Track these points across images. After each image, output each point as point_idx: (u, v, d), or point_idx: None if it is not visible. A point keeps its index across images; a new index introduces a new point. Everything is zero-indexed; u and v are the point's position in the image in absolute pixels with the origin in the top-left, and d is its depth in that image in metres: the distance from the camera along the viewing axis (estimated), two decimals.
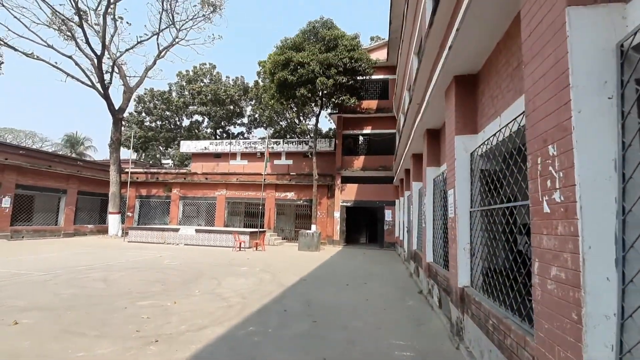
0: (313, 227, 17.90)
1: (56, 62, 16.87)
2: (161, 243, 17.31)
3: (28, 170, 17.44)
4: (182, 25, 20.89)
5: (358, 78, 17.08)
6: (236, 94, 30.77)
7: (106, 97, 17.96)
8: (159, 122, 33.77)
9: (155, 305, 5.73)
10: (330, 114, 20.14)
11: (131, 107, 29.33)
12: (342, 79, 15.94)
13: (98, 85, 17.54)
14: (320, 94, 17.05)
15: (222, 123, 34.60)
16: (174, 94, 32.25)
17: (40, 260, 10.49)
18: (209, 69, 32.46)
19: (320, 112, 18.89)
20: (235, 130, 36.37)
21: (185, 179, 22.18)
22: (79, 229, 20.32)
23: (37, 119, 76.49)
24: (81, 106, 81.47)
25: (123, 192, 22.98)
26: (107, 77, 17.90)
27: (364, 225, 22.92)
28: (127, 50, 18.66)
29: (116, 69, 18.81)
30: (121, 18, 19.13)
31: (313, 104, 18.90)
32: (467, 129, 4.54)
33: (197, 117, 35.43)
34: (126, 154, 23.58)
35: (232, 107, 33.11)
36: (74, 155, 39.62)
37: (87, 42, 15.99)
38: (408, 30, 12.24)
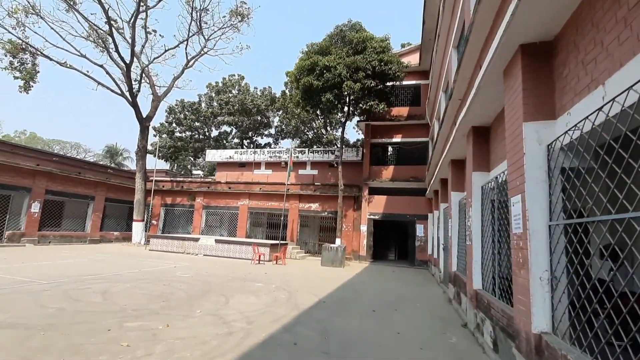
0: (338, 240, 16.73)
1: (88, 71, 17.34)
2: (181, 252, 16.84)
3: (58, 177, 17.78)
4: (211, 35, 21.00)
5: (388, 83, 15.99)
6: (263, 104, 30.66)
7: (134, 105, 18.16)
8: (188, 133, 34.35)
9: (144, 328, 4.85)
10: (358, 122, 19.15)
11: (162, 118, 29.81)
12: (371, 83, 14.94)
13: (127, 94, 17.79)
14: (347, 99, 16.14)
15: (250, 133, 34.67)
16: (203, 104, 32.75)
17: (54, 267, 10.12)
18: (238, 80, 32.75)
19: (347, 119, 17.92)
20: (262, 141, 36.32)
21: (208, 187, 21.89)
22: (104, 236, 20.43)
23: (81, 131, 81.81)
24: (120, 118, 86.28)
25: (148, 200, 23.12)
26: (135, 85, 18.19)
27: (393, 241, 21.37)
28: (155, 59, 18.99)
29: (145, 78, 19.09)
30: (155, 31, 19.52)
31: (339, 111, 18.02)
32: (542, 112, 3.34)
33: (225, 127, 35.84)
34: (155, 162, 23.78)
35: (259, 118, 33.10)
36: (112, 164, 41.39)
37: (117, 51, 16.29)
38: (445, 25, 11.09)
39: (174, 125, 32.41)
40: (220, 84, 32.53)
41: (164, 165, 45.25)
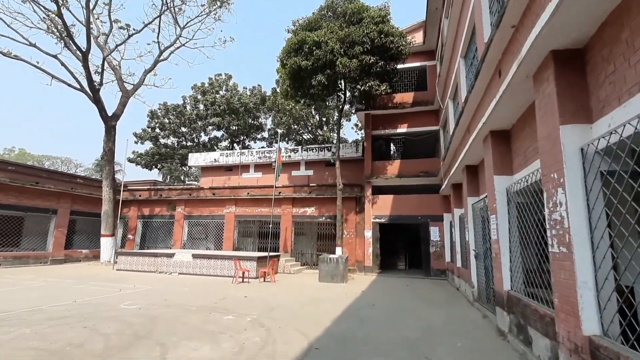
0: (338, 250, 14.08)
1: (37, 62, 14.90)
2: (153, 272, 14.18)
3: (10, 187, 15.23)
4: (187, 23, 18.67)
5: (390, 62, 13.52)
6: (252, 103, 28.28)
7: (97, 101, 15.69)
8: (174, 139, 31.93)
9: None
10: (356, 111, 16.65)
11: (144, 123, 27.46)
12: (370, 60, 12.48)
13: (87, 88, 15.32)
14: (343, 81, 13.66)
15: (242, 137, 32.27)
16: (188, 107, 30.41)
17: None
18: (225, 79, 30.47)
19: (343, 105, 15.41)
20: (255, 145, 33.89)
21: (190, 195, 19.31)
22: (71, 255, 17.78)
23: (73, 146, 79.50)
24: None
25: (124, 212, 20.52)
26: (97, 79, 15.76)
27: (402, 247, 18.68)
28: (117, 46, 16.53)
29: (111, 71, 16.70)
30: (117, 20, 17.04)
31: (333, 95, 15.53)
32: (578, 116, 2.91)
33: (215, 132, 33.47)
34: (139, 172, 21.26)
35: (249, 120, 30.71)
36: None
37: (70, 36, 13.84)
38: None
39: (157, 130, 29.97)
40: (207, 85, 30.22)
41: (152, 175, 42.93)
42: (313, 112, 26.58)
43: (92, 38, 16.76)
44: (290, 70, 14.09)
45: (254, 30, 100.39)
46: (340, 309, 7.64)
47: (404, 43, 13.16)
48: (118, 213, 16.82)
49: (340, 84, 14.94)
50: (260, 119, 32.61)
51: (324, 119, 27.28)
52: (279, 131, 15.02)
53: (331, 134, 26.96)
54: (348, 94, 15.38)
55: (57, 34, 14.76)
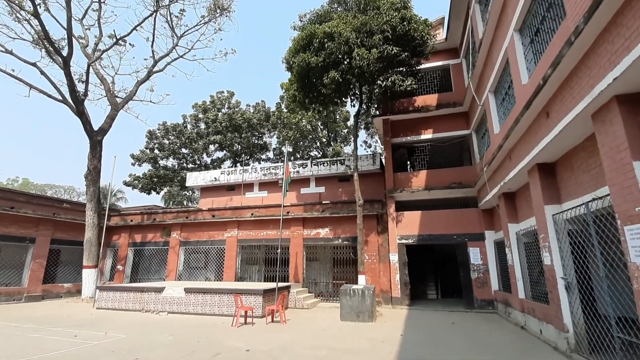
0: (361, 278, 11.62)
1: (13, 70, 13.31)
2: (138, 310, 11.79)
3: None
4: (185, 32, 17.25)
5: (414, 53, 11.63)
6: (255, 118, 26.63)
7: (80, 113, 13.93)
8: (174, 161, 30.19)
9: None
10: (372, 117, 14.67)
11: (142, 144, 25.75)
12: (392, 50, 10.57)
13: (70, 100, 13.60)
14: (358, 83, 11.72)
15: (245, 157, 30.46)
16: (188, 126, 28.86)
17: None
18: (227, 96, 29.06)
19: (360, 106, 13.40)
20: (259, 166, 31.95)
21: (187, 218, 17.13)
22: (50, 290, 15.46)
23: (75, 173, 78.77)
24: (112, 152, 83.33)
25: (115, 240, 18.35)
26: (81, 89, 14.10)
27: (431, 271, 16.12)
28: (103, 52, 14.93)
29: (100, 84, 15.08)
30: (118, 40, 15.42)
31: (346, 100, 13.62)
32: None
33: (218, 154, 31.77)
34: (137, 197, 19.30)
35: (253, 138, 28.96)
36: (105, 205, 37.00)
37: (48, 38, 12.25)
38: None
39: (156, 151, 28.29)
40: (208, 103, 28.80)
41: (152, 199, 41.03)
42: (321, 127, 24.78)
43: (80, 47, 15.30)
44: (298, 71, 12.27)
45: (259, 44, 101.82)
46: None
47: (429, 32, 11.29)
48: (102, 241, 14.62)
49: (355, 86, 13.06)
50: (264, 138, 30.91)
51: (332, 134, 25.40)
52: (286, 148, 13.02)
53: (343, 146, 25.02)
54: (364, 97, 13.44)
55: (35, 37, 13.24)
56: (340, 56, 11.04)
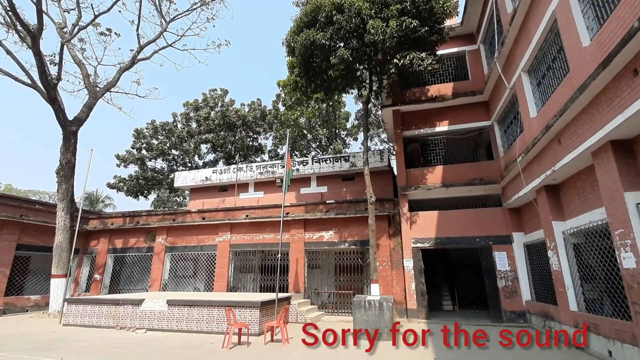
0: (374, 287, 9.99)
1: None
2: (112, 327, 9.98)
3: None
4: (175, 16, 15.76)
5: (433, 29, 10.27)
6: (250, 116, 25.09)
7: (52, 100, 12.23)
8: (164, 163, 28.38)
9: None
10: (382, 107, 13.23)
11: (128, 144, 24.09)
12: (411, 23, 9.18)
13: (40, 83, 11.93)
14: (373, 55, 10.27)
15: (239, 159, 28.82)
16: (179, 125, 27.17)
17: None
18: (221, 94, 27.51)
19: (370, 92, 11.93)
20: (254, 165, 30.30)
21: (174, 220, 15.36)
22: (13, 303, 13.50)
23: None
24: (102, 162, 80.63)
25: (93, 246, 16.47)
26: (54, 71, 12.47)
27: (446, 278, 14.59)
28: (81, 29, 13.27)
29: (77, 67, 13.46)
30: (97, 16, 13.86)
31: (353, 88, 12.21)
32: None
33: (209, 157, 30.04)
34: (124, 202, 17.47)
35: (248, 140, 27.36)
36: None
37: (13, 10, 10.55)
38: None
39: (143, 152, 26.47)
40: (200, 101, 27.20)
41: (140, 205, 38.73)
42: (320, 125, 23.32)
43: (56, 28, 13.68)
44: (300, 51, 10.83)
45: (256, 42, 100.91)
46: None
47: (452, 6, 9.95)
48: (74, 246, 12.76)
49: (365, 69, 11.66)
50: (259, 139, 29.34)
51: (334, 130, 23.93)
52: (287, 135, 11.49)
53: (346, 142, 23.53)
54: (373, 85, 12.01)
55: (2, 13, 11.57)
56: (350, 31, 9.61)
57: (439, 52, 13.10)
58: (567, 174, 7.53)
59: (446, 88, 13.14)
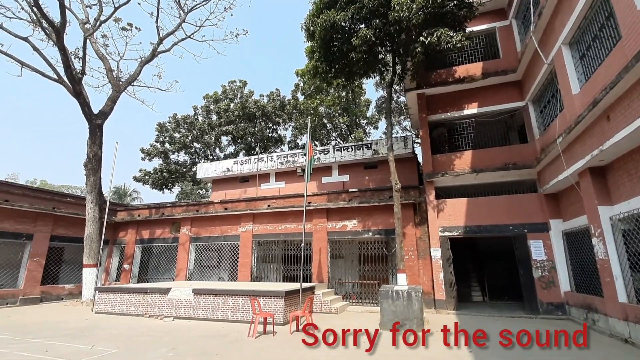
0: (401, 277, 9.67)
1: (1, 45, 11.98)
2: (140, 315, 10.19)
3: None
4: (194, 6, 15.66)
5: (462, 4, 9.62)
6: (269, 106, 24.95)
7: (77, 94, 12.49)
8: (186, 156, 28.84)
9: None
10: (406, 91, 12.67)
11: (151, 137, 24.54)
12: None
13: (65, 78, 12.19)
14: (394, 39, 9.75)
15: (257, 149, 28.89)
16: (199, 117, 27.43)
17: None
18: (240, 86, 27.50)
19: (394, 74, 11.41)
20: (275, 155, 30.32)
21: (197, 211, 15.53)
22: (49, 292, 14.10)
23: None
24: (126, 156, 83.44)
25: (121, 237, 16.95)
26: (79, 66, 12.69)
27: (473, 268, 14.02)
28: (102, 22, 13.43)
29: (100, 62, 13.67)
30: (117, 8, 14.03)
31: (375, 72, 11.71)
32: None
33: (230, 149, 30.28)
34: (149, 194, 17.89)
35: (268, 131, 27.29)
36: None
37: (38, 6, 10.78)
38: None
39: (166, 145, 26.96)
40: (220, 93, 27.30)
41: (165, 197, 39.87)
42: (340, 112, 22.85)
43: (79, 24, 13.88)
44: (320, 34, 10.44)
45: (275, 33, 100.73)
46: None
47: None
48: (103, 236, 13.11)
49: (388, 50, 11.12)
50: (279, 130, 29.22)
51: (355, 119, 23.43)
52: (308, 121, 11.19)
53: (367, 130, 23.03)
54: (397, 67, 11.47)
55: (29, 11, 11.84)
56: (372, 9, 9.12)
57: (467, 30, 12.39)
58: (617, 154, 6.84)
59: (475, 68, 12.40)
